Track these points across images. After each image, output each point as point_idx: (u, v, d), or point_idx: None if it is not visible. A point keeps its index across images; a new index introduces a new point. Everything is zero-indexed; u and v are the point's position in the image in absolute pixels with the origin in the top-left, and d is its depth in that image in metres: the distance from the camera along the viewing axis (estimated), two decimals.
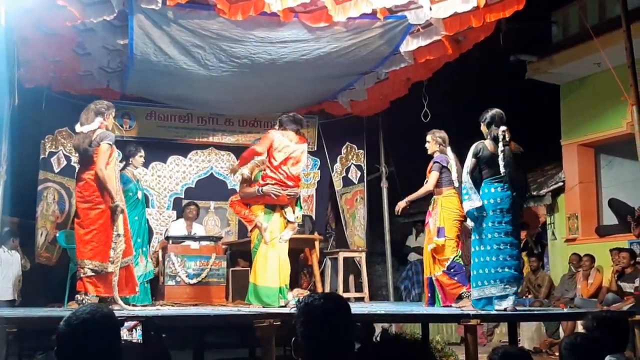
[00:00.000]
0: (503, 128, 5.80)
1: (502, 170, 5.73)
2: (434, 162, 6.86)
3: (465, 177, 5.93)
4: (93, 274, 5.95)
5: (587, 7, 9.69)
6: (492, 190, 5.80)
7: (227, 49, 7.25)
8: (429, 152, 6.99)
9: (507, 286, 5.74)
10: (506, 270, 5.77)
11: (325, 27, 6.90)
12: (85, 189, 6.01)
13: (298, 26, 6.90)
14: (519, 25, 7.82)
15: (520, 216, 6.12)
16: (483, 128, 6.03)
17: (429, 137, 7.00)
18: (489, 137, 5.93)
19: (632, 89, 6.40)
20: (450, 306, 6.57)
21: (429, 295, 6.95)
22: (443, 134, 6.97)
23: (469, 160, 5.93)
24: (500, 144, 5.76)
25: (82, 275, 5.95)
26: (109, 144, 6.03)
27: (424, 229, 11.34)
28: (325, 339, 2.23)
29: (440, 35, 7.18)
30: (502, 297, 5.75)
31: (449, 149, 6.92)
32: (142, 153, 7.72)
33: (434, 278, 6.78)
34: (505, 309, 5.74)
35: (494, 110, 5.99)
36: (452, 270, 6.63)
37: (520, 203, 5.97)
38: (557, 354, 8.39)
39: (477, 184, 5.88)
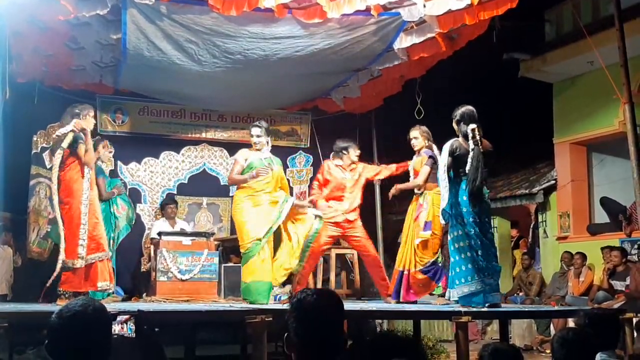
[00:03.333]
0: (472, 126, 5.81)
1: (467, 168, 5.74)
2: (429, 157, 6.87)
3: (443, 176, 5.92)
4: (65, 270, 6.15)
5: (581, 6, 9.72)
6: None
7: (220, 45, 7.23)
8: (417, 147, 7.03)
9: (493, 279, 5.81)
10: (493, 264, 5.83)
11: (319, 24, 6.89)
12: (59, 188, 6.23)
13: (292, 22, 6.89)
14: (512, 24, 7.83)
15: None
16: (454, 125, 6.04)
17: (416, 133, 7.02)
18: (460, 134, 5.95)
19: (625, 88, 6.42)
20: (415, 302, 6.72)
21: (395, 288, 6.96)
22: (426, 128, 7.05)
23: (446, 159, 5.91)
24: (471, 142, 5.78)
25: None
26: (64, 147, 6.23)
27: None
28: (318, 334, 2.22)
29: (434, 33, 7.19)
30: (491, 291, 5.79)
31: (433, 145, 6.96)
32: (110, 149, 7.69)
33: (405, 272, 6.81)
34: (497, 303, 5.80)
35: (465, 108, 5.99)
36: (428, 270, 6.69)
37: (479, 199, 5.90)
38: (547, 351, 8.43)
39: (451, 181, 5.90)
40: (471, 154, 5.75)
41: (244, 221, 6.74)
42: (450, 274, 6.02)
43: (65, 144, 6.26)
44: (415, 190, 7.01)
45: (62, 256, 6.10)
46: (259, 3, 6.25)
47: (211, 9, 6.43)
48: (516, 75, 10.45)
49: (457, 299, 5.88)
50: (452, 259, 5.98)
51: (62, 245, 6.12)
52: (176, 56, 7.41)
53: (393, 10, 6.93)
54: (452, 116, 6.04)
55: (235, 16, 6.47)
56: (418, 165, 6.97)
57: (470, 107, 5.97)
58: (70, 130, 6.28)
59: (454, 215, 5.90)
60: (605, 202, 9.99)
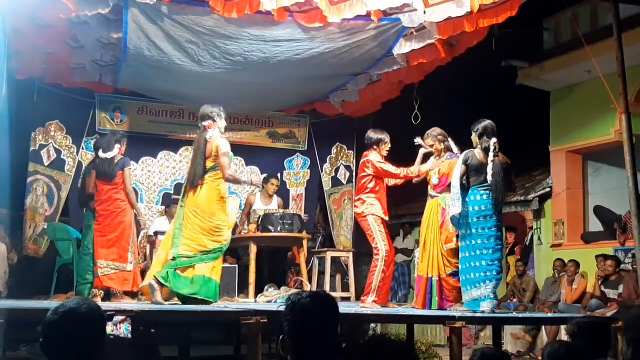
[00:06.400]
0: (495, 140, 5.93)
1: (489, 179, 5.87)
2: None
3: (455, 183, 6.02)
4: (112, 272, 7.06)
5: (579, 15, 9.75)
6: (478, 197, 5.97)
7: (221, 46, 7.25)
8: (436, 153, 6.80)
9: (490, 287, 5.89)
10: (492, 273, 5.91)
11: (319, 28, 6.91)
12: (109, 203, 7.17)
13: (292, 26, 6.92)
14: (511, 31, 7.86)
15: (502, 221, 6.17)
16: (474, 138, 6.13)
17: (430, 140, 6.81)
18: (479, 147, 6.05)
19: (622, 98, 6.45)
20: (451, 307, 6.39)
21: (427, 297, 6.62)
22: (439, 130, 6.80)
23: (460, 167, 6.04)
24: (491, 154, 5.91)
25: (98, 274, 7.04)
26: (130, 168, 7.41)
27: (412, 230, 11.50)
28: (313, 337, 2.24)
29: (434, 39, 7.21)
30: (486, 298, 5.87)
31: (452, 143, 6.77)
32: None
33: (436, 279, 6.54)
34: (492, 310, 5.85)
35: (487, 122, 6.10)
36: (456, 273, 6.56)
37: (500, 209, 6.04)
38: (539, 358, 8.45)
39: (463, 190, 6.03)
40: (490, 165, 5.88)
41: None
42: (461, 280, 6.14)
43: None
44: (433, 193, 6.76)
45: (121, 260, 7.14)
46: (260, 6, 6.27)
47: (212, 11, 6.45)
48: (514, 83, 10.47)
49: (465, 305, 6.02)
50: (460, 267, 6.10)
51: (132, 250, 7.21)
52: (176, 56, 7.43)
53: (393, 16, 6.96)
54: (473, 129, 6.11)
55: (236, 18, 6.48)
56: (445, 168, 6.62)
57: (491, 122, 6.08)
58: (117, 154, 7.28)
59: (461, 224, 6.03)
60: (600, 211, 10.02)
